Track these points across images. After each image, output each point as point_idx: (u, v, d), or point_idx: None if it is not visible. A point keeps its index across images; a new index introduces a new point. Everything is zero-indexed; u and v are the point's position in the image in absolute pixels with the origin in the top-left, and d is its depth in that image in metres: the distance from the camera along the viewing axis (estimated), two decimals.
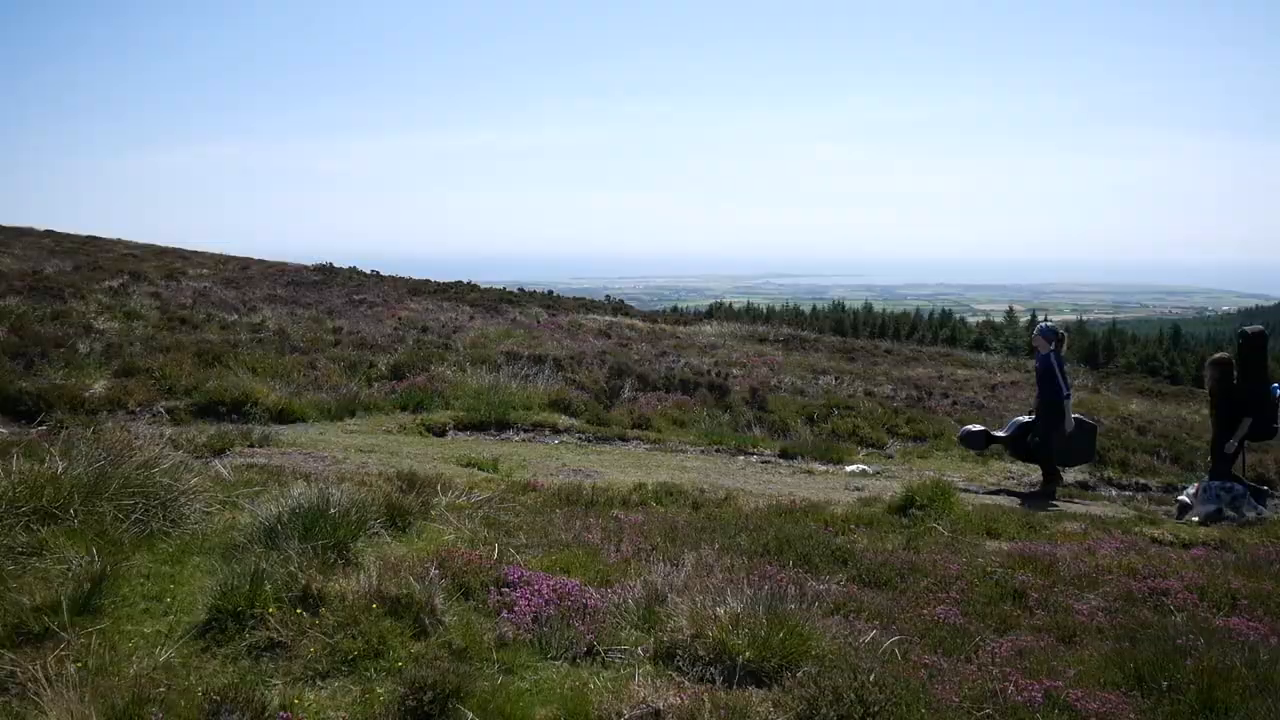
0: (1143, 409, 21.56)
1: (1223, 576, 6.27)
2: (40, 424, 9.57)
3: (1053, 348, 11.05)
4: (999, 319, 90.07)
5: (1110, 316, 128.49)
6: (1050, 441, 10.98)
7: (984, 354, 40.90)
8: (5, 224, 34.52)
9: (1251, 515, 9.45)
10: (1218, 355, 10.94)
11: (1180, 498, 10.30)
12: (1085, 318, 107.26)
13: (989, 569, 6.29)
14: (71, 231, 35.36)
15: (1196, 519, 9.46)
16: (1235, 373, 10.42)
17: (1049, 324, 11.63)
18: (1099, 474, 12.82)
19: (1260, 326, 10.59)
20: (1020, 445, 11.42)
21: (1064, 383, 10.82)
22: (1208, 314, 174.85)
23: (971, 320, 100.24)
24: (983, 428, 12.03)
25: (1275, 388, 10.46)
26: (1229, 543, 7.93)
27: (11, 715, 3.55)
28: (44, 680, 3.63)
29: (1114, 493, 12.01)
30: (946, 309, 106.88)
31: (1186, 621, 5.33)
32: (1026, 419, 11.41)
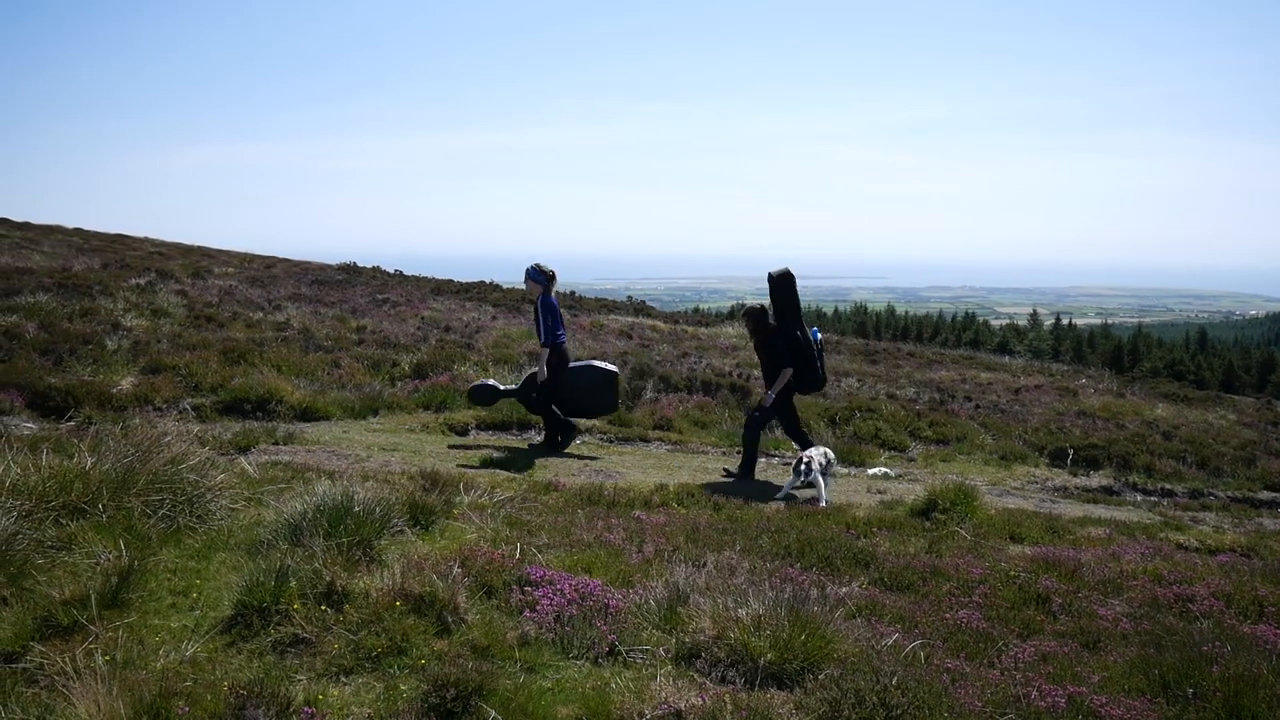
0: (1168, 413, 21.36)
1: (1249, 583, 6.21)
2: (69, 420, 9.69)
3: (543, 290, 10.43)
4: (1023, 322, 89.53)
5: (1136, 320, 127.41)
6: (543, 390, 10.39)
7: (1008, 357, 40.63)
8: (35, 222, 34.93)
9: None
10: (749, 304, 10.52)
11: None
12: (1110, 321, 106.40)
13: (1012, 573, 6.26)
14: (100, 229, 35.76)
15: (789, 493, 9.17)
16: (771, 321, 9.93)
17: (536, 265, 10.71)
18: (1124, 479, 12.72)
19: (786, 268, 10.01)
20: (533, 400, 10.80)
21: (542, 328, 10.15)
22: (1234, 318, 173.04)
23: (995, 323, 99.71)
24: (493, 382, 11.37)
25: (815, 333, 10.06)
26: (1256, 549, 7.86)
27: (41, 707, 3.59)
28: (73, 673, 3.67)
29: (1139, 498, 11.91)
30: (970, 311, 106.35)
31: (1213, 628, 5.28)
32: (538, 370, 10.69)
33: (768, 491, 9.37)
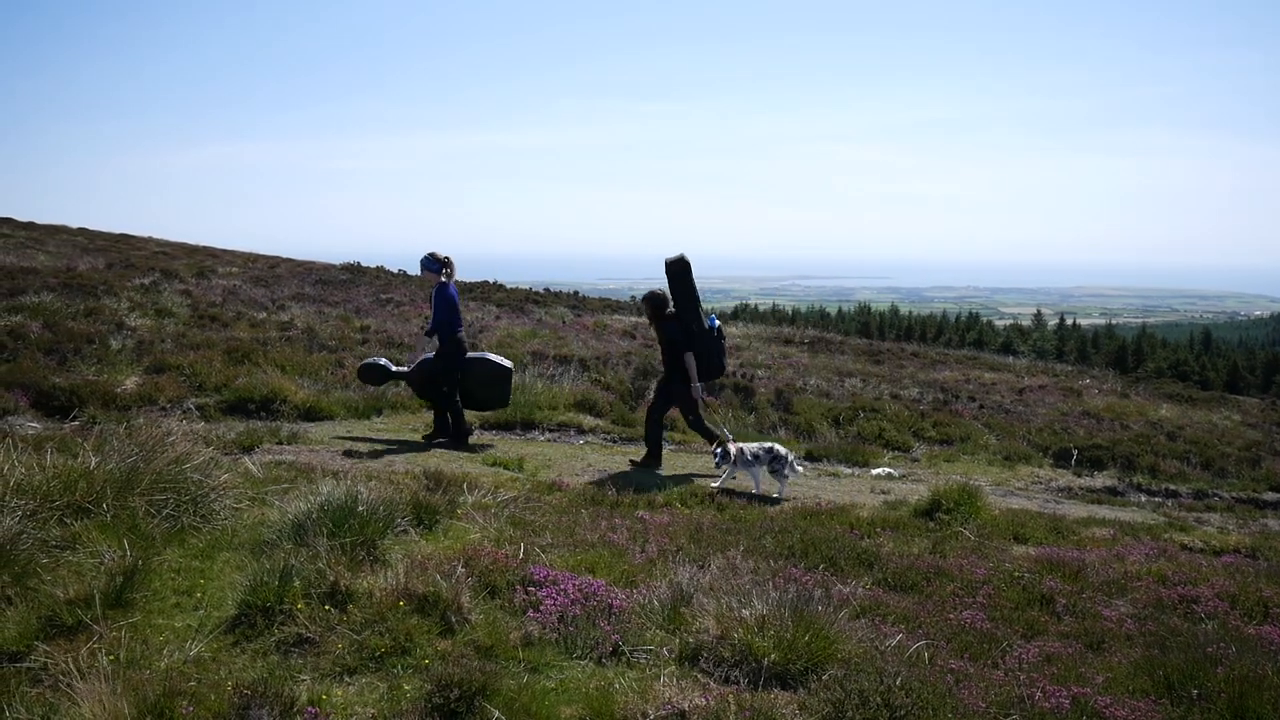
0: (1173, 414, 21.32)
1: (1254, 584, 6.20)
2: (73, 419, 9.70)
3: (442, 278, 10.21)
4: (1027, 322, 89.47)
5: (1140, 320, 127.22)
6: (440, 381, 10.18)
7: (1011, 357, 40.57)
8: (40, 222, 34.98)
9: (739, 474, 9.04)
10: (649, 291, 10.21)
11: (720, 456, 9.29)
12: (1114, 321, 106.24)
13: (1016, 574, 6.25)
14: (104, 229, 35.80)
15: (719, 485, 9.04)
16: (670, 309, 9.75)
17: (430, 254, 10.39)
18: (1128, 479, 12.70)
19: (681, 254, 9.76)
20: (424, 385, 10.53)
21: (445, 316, 9.94)
22: (1239, 318, 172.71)
23: (999, 323, 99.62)
24: (384, 361, 11.05)
25: (713, 320, 9.87)
26: (1261, 550, 7.84)
27: (45, 706, 3.60)
28: (77, 672, 3.68)
29: (1143, 498, 11.89)
30: (973, 311, 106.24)
31: (1217, 629, 5.27)
32: (432, 356, 10.46)
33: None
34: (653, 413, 10.18)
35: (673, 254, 9.80)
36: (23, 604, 4.34)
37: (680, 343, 9.72)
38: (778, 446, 9.27)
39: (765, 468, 9.11)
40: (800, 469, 9.81)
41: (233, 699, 3.62)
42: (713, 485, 9.06)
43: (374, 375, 10.90)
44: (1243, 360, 68.38)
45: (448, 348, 10.15)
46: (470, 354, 10.69)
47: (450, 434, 10.41)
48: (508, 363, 11.06)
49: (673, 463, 10.50)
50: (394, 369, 10.84)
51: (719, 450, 9.11)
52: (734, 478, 9.16)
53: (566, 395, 13.49)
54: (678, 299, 9.78)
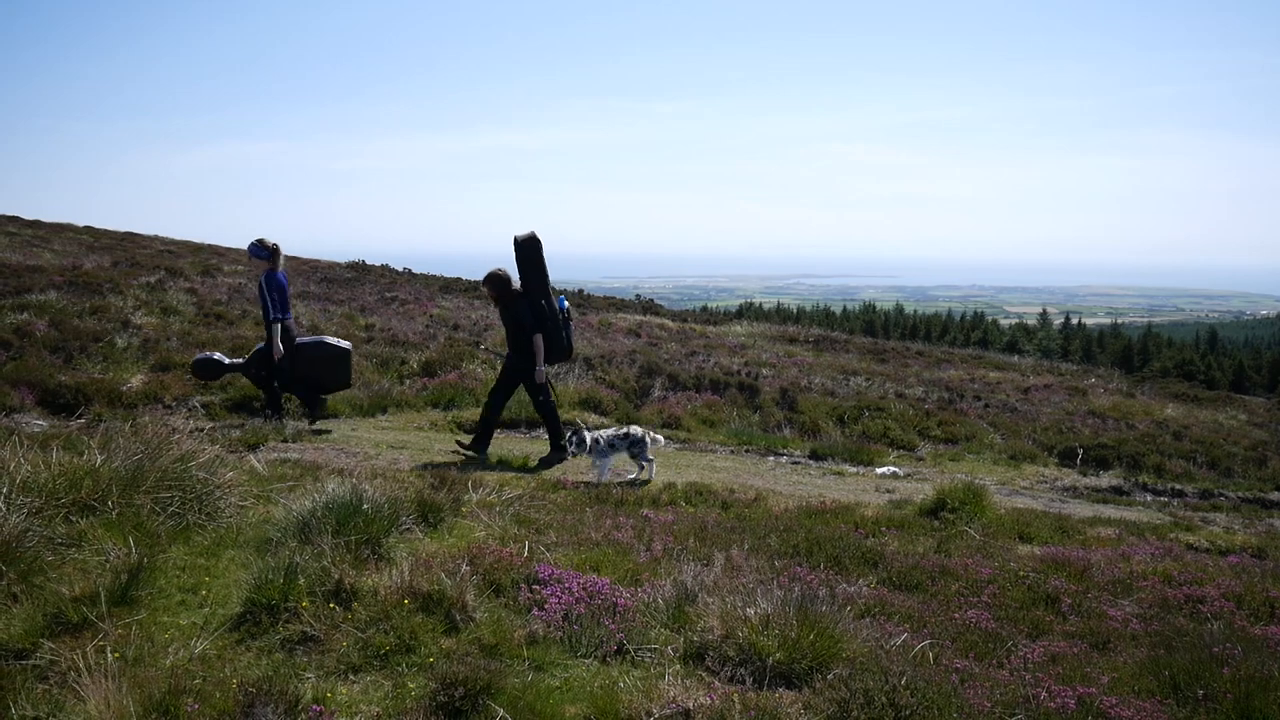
0: (1178, 413, 21.27)
1: (1260, 584, 6.18)
2: (79, 417, 9.73)
3: (270, 266, 10.00)
4: (1032, 321, 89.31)
5: (1145, 320, 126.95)
6: (264, 365, 9.94)
7: (1017, 356, 40.52)
8: (46, 220, 35.05)
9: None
10: (490, 271, 9.88)
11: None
12: (1120, 321, 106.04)
13: (1021, 573, 6.23)
14: (110, 228, 35.85)
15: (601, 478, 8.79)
16: (517, 288, 9.48)
17: (258, 240, 10.22)
18: (1133, 479, 12.67)
19: (532, 232, 9.52)
20: (260, 377, 10.29)
21: (270, 303, 9.72)
22: (1245, 317, 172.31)
23: (1004, 322, 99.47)
24: (218, 355, 10.73)
25: (562, 301, 9.66)
26: (1267, 550, 7.82)
27: (51, 703, 3.60)
28: (83, 669, 3.68)
29: (1149, 498, 11.86)
30: (979, 311, 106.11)
31: (1223, 629, 5.25)
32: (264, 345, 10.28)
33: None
34: (494, 394, 9.88)
35: (522, 232, 9.52)
36: (29, 601, 4.35)
37: (530, 324, 9.47)
38: (633, 428, 9.16)
39: (625, 453, 9.00)
40: (661, 440, 9.55)
41: (238, 696, 3.62)
42: (590, 477, 8.89)
43: (208, 370, 10.58)
44: (1249, 360, 68.23)
45: (271, 333, 9.87)
46: (306, 338, 10.50)
47: (276, 413, 10.26)
48: (346, 344, 10.88)
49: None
50: (228, 362, 10.57)
51: (574, 438, 8.97)
52: (597, 465, 8.97)
53: (571, 393, 13.50)
54: (528, 279, 9.47)
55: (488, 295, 9.87)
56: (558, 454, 9.68)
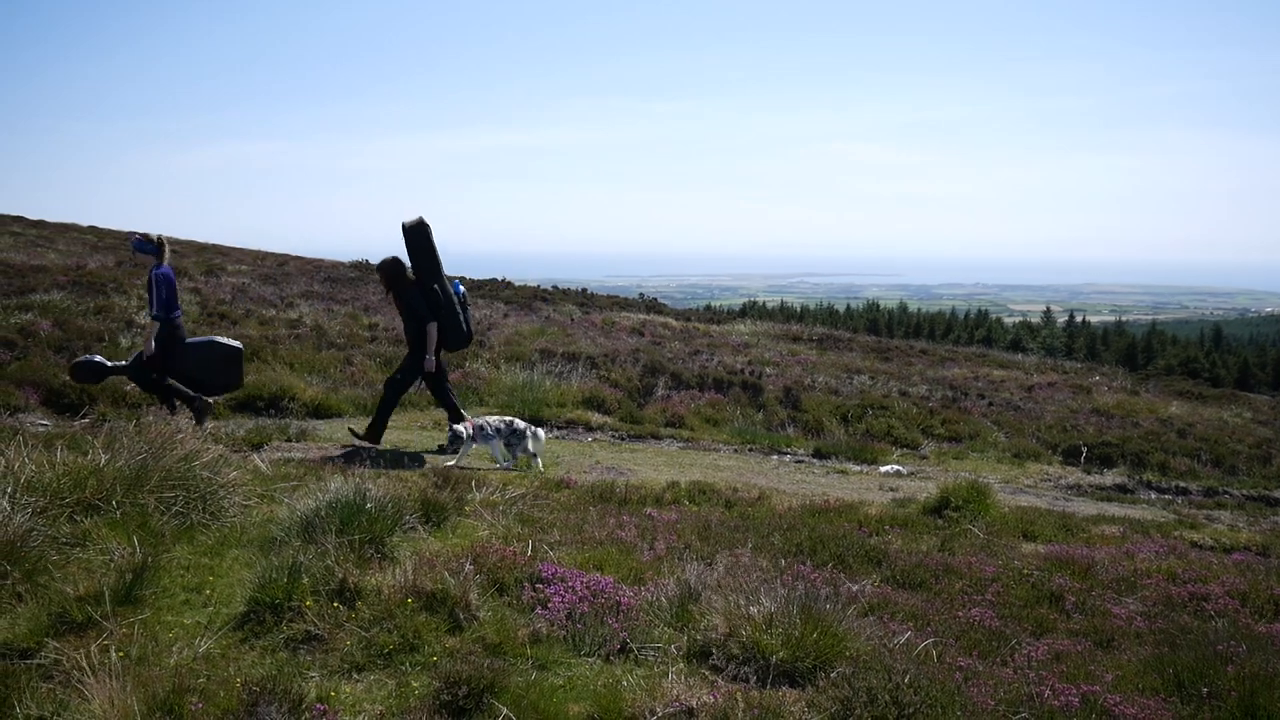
0: (1183, 411, 21.23)
1: (1265, 582, 6.18)
2: (83, 417, 9.74)
3: (157, 261, 9.41)
4: (1036, 319, 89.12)
5: (1150, 317, 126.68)
6: (150, 365, 9.33)
7: (1020, 355, 40.44)
8: (50, 220, 35.12)
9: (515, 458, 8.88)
10: (383, 259, 9.61)
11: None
12: (1124, 319, 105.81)
13: (1025, 571, 6.23)
14: (114, 227, 35.91)
15: (453, 462, 8.72)
16: (408, 277, 9.21)
17: (143, 235, 9.64)
18: (1138, 477, 12.65)
19: (420, 217, 9.25)
20: (143, 376, 9.59)
21: (157, 300, 9.28)
22: (1250, 315, 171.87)
23: (1008, 320, 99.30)
24: (99, 358, 9.92)
25: (458, 286, 9.40)
26: (1272, 548, 7.81)
27: (56, 702, 3.61)
28: (88, 668, 3.69)
29: (1153, 496, 11.85)
30: (983, 309, 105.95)
31: (1228, 627, 5.25)
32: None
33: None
34: (391, 382, 9.64)
35: (410, 218, 9.28)
36: (33, 600, 4.36)
37: (424, 313, 9.22)
38: (517, 421, 9.13)
39: (502, 441, 8.97)
40: (543, 437, 9.44)
41: (242, 695, 3.63)
42: (448, 463, 8.79)
43: (89, 373, 9.94)
44: (1254, 357, 68.09)
45: (163, 332, 9.48)
46: (197, 338, 10.16)
47: (204, 412, 9.75)
48: (238, 344, 10.45)
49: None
50: (110, 365, 9.99)
51: (450, 431, 8.92)
52: (467, 454, 8.93)
53: (574, 393, 13.51)
54: (419, 266, 9.24)
55: (381, 284, 9.58)
56: (455, 441, 9.26)
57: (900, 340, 40.31)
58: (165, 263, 9.58)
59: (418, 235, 9.19)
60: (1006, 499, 9.72)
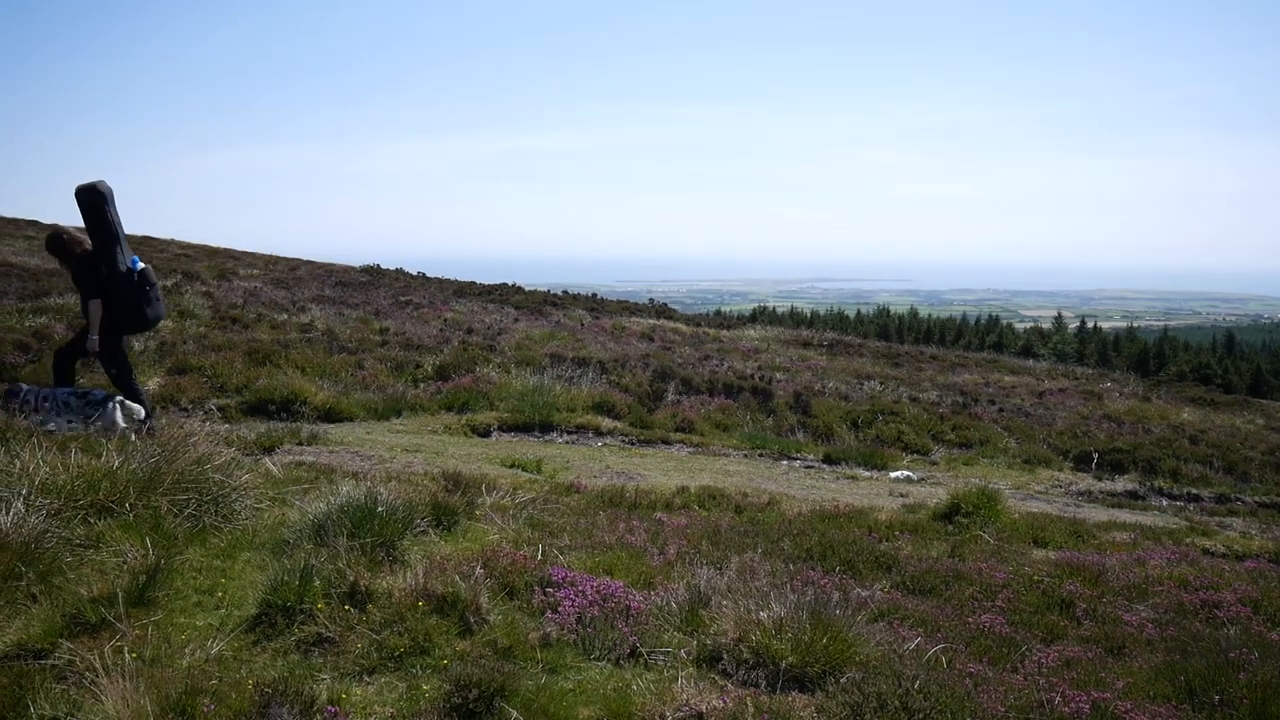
0: (1195, 418, 21.15)
1: (1277, 590, 6.16)
2: (95, 419, 9.76)
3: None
4: (1047, 325, 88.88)
5: (1162, 323, 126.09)
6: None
7: (1031, 360, 40.33)
8: (64, 225, 35.34)
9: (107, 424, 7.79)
10: (52, 229, 8.63)
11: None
12: (1136, 324, 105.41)
13: (1035, 578, 6.22)
14: (127, 232, 36.08)
15: (51, 428, 7.64)
16: (81, 250, 8.24)
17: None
18: (1149, 483, 12.60)
19: (96, 181, 8.17)
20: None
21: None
22: (1263, 321, 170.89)
23: (1019, 326, 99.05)
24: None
25: (135, 261, 8.38)
26: None
27: (70, 703, 3.63)
28: (101, 669, 3.71)
29: (1165, 502, 11.80)
30: (993, 314, 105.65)
31: (1240, 634, 5.23)
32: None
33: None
34: (59, 355, 8.72)
35: (85, 180, 8.29)
36: (47, 601, 4.39)
37: (85, 288, 8.18)
38: (95, 391, 8.29)
39: (81, 415, 7.98)
40: (140, 411, 8.40)
41: (254, 697, 3.65)
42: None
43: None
44: (1266, 364, 67.73)
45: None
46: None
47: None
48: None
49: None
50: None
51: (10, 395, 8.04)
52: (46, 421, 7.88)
53: (585, 397, 13.52)
54: (92, 236, 8.28)
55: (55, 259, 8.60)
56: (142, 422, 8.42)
57: (910, 346, 40.25)
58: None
59: (87, 198, 8.12)
60: (1017, 505, 9.70)
